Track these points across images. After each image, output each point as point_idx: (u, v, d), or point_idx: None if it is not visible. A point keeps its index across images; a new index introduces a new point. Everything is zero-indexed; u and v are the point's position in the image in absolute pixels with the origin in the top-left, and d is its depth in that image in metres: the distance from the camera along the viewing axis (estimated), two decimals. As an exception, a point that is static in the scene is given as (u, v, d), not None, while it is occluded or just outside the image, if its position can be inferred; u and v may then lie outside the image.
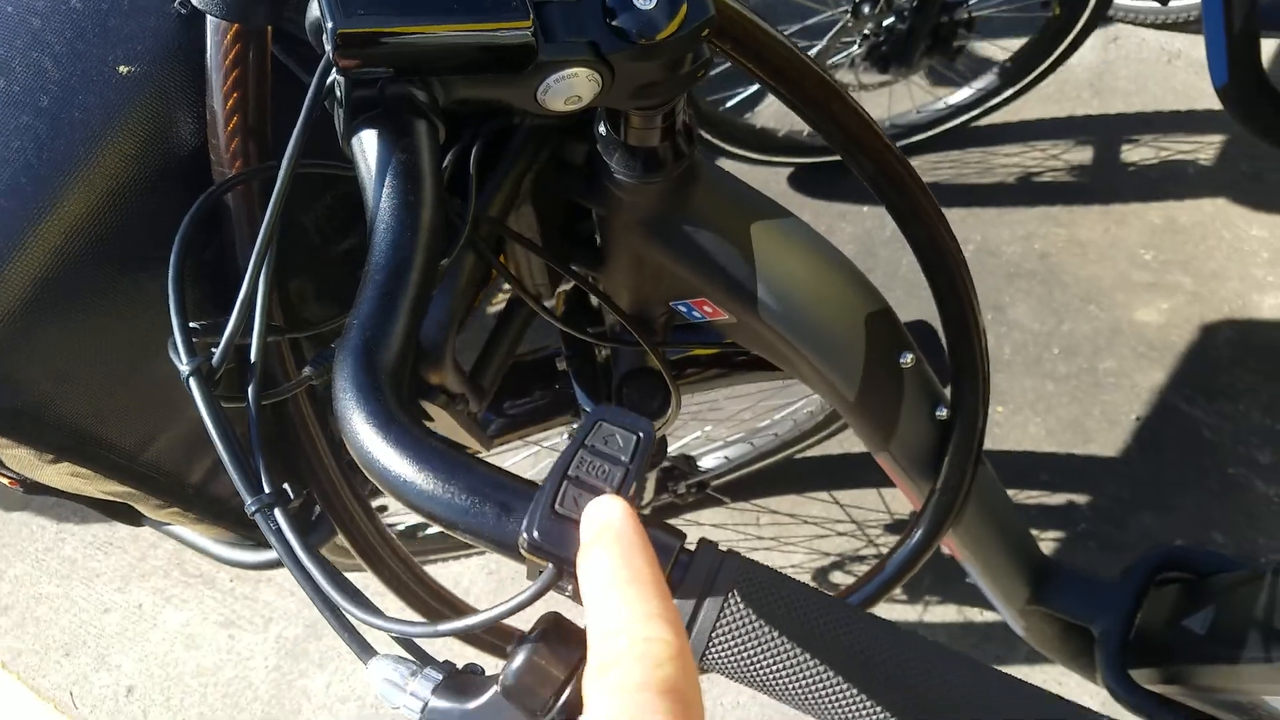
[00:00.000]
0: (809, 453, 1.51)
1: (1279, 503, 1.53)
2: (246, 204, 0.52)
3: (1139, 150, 1.97)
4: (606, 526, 0.30)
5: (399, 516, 1.39)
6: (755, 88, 1.93)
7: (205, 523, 0.64)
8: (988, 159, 2.00)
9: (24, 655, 1.61)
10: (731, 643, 0.33)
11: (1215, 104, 1.54)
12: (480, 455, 0.38)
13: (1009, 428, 1.65)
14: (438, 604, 0.69)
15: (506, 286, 1.04)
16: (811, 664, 0.33)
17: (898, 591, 1.42)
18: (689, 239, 0.61)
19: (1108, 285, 1.79)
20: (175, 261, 0.47)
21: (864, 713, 0.33)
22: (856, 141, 0.63)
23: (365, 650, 0.40)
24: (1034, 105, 2.04)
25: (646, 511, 1.04)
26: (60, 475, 0.55)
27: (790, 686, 0.33)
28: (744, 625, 0.33)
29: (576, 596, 0.31)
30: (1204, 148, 1.95)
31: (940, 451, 0.77)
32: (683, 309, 0.69)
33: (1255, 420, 1.61)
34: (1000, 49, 1.94)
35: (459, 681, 0.37)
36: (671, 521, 0.57)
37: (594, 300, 0.82)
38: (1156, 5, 1.99)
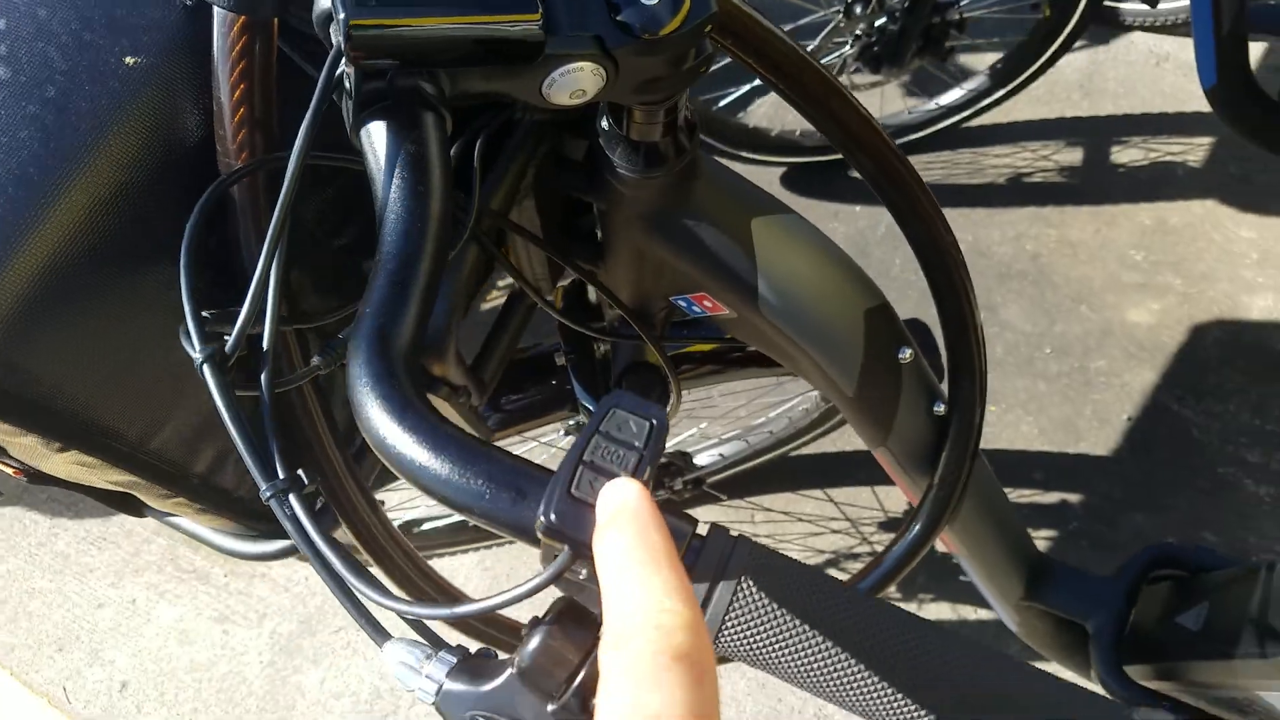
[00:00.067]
0: (804, 450, 1.52)
1: (1269, 502, 1.54)
2: (251, 195, 0.52)
3: (1128, 152, 1.98)
4: (623, 507, 0.31)
5: (396, 511, 1.40)
6: (748, 87, 1.93)
7: (209, 513, 0.64)
8: (978, 160, 2.02)
9: (17, 650, 1.60)
10: (744, 626, 0.33)
11: (1204, 106, 1.55)
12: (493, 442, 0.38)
13: (1001, 427, 1.66)
14: (440, 596, 0.69)
15: (503, 283, 1.04)
16: (823, 647, 0.33)
17: (893, 589, 1.43)
18: (690, 233, 0.61)
19: (1098, 286, 1.80)
20: (187, 249, 0.48)
21: (874, 694, 0.33)
22: (856, 138, 0.64)
23: (380, 634, 0.41)
24: (1024, 106, 2.05)
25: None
26: (66, 464, 0.55)
27: (802, 669, 0.34)
28: (756, 609, 0.33)
29: (592, 579, 0.32)
30: (1193, 149, 1.97)
31: (938, 446, 0.77)
32: (682, 304, 0.69)
33: (1244, 420, 1.62)
34: (991, 50, 1.95)
35: (473, 665, 0.37)
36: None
37: (593, 296, 0.82)
38: (1145, 7, 2.01)
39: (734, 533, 0.35)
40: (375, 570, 0.66)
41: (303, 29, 0.54)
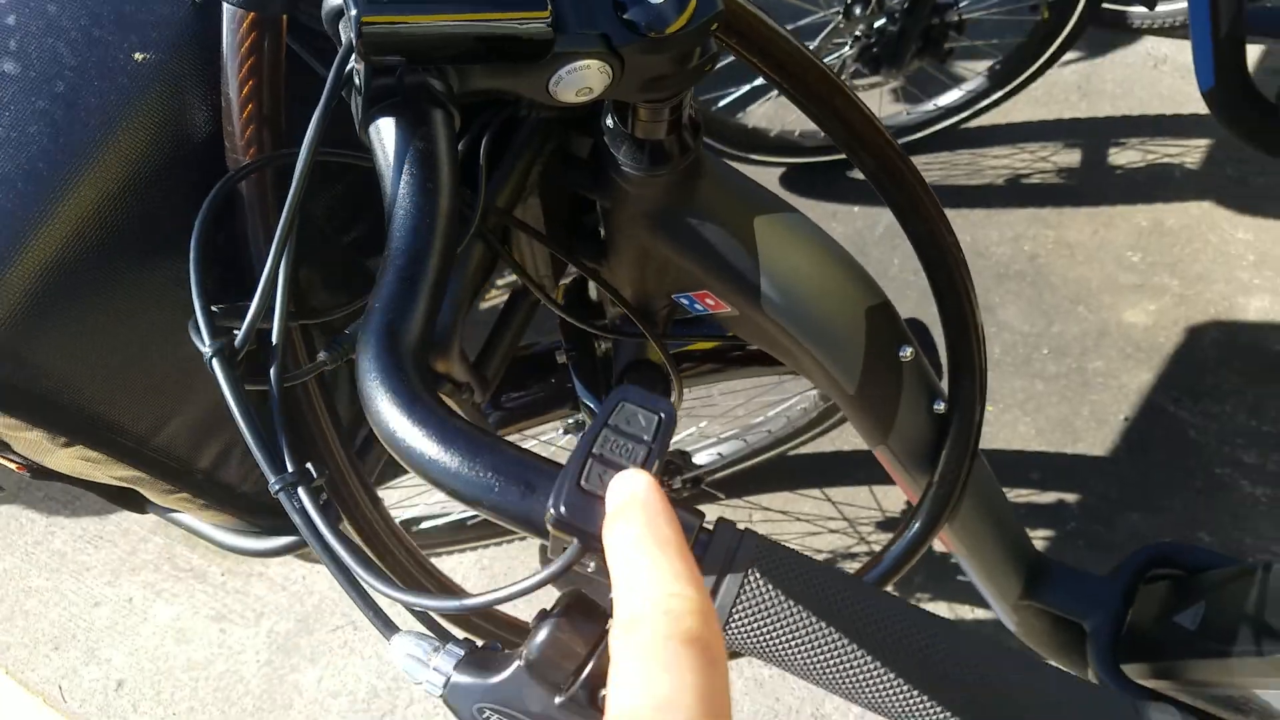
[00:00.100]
0: (802, 450, 1.52)
1: (1265, 503, 1.55)
2: (260, 191, 0.52)
3: (1126, 153, 1.99)
4: (632, 498, 0.31)
5: (395, 510, 1.40)
6: (748, 88, 1.94)
7: (212, 509, 0.64)
8: (977, 161, 2.02)
9: (13, 649, 1.60)
10: (752, 618, 0.34)
11: (1201, 108, 1.56)
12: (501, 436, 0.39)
13: (999, 427, 1.66)
14: (443, 592, 0.69)
15: (503, 281, 1.04)
16: (830, 639, 0.33)
17: (890, 588, 1.43)
18: (694, 231, 0.62)
19: (1096, 287, 1.81)
20: (196, 245, 0.48)
21: (881, 685, 0.34)
22: (858, 137, 0.64)
23: (388, 626, 0.41)
24: (1022, 108, 2.06)
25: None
26: (70, 459, 0.55)
27: (809, 661, 0.34)
28: (764, 601, 0.34)
29: (600, 572, 0.32)
30: (1190, 151, 1.97)
31: (938, 445, 0.78)
32: (685, 301, 0.70)
33: (1241, 421, 1.63)
34: (990, 52, 1.96)
35: (481, 657, 0.37)
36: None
37: (595, 293, 0.82)
38: (1144, 10, 2.01)
39: (741, 526, 0.35)
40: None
41: (311, 25, 0.54)
